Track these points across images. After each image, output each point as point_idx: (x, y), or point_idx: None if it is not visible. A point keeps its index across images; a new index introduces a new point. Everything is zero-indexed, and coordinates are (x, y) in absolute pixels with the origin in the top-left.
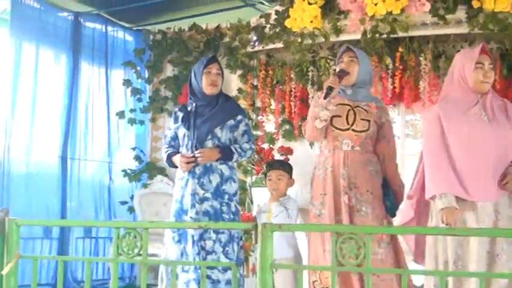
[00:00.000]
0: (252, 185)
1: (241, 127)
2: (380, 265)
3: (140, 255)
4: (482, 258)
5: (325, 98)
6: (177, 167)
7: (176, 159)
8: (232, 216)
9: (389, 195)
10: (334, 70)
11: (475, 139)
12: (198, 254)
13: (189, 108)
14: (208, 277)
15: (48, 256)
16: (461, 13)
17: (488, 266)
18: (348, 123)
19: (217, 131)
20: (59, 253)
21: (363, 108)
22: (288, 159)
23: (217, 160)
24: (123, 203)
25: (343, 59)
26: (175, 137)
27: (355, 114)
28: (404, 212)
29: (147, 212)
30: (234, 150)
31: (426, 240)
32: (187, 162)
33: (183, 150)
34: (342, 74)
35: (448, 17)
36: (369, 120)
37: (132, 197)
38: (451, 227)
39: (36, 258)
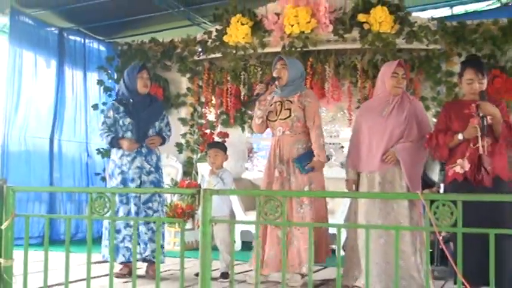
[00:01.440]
0: (197, 161)
1: (165, 120)
2: (300, 221)
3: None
4: (377, 214)
5: (254, 102)
6: (119, 147)
7: (124, 142)
8: (163, 184)
9: (298, 158)
10: (263, 77)
11: (372, 130)
12: (140, 213)
13: (124, 102)
14: (150, 229)
15: (37, 214)
16: (355, 33)
17: (383, 220)
18: (276, 115)
19: (156, 123)
20: (47, 213)
21: (288, 101)
22: (225, 141)
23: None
24: (97, 174)
25: (276, 66)
26: (113, 124)
27: (282, 107)
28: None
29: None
30: (165, 137)
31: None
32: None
33: (127, 134)
34: (269, 82)
35: (346, 36)
36: (290, 109)
37: (103, 170)
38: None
39: (28, 216)
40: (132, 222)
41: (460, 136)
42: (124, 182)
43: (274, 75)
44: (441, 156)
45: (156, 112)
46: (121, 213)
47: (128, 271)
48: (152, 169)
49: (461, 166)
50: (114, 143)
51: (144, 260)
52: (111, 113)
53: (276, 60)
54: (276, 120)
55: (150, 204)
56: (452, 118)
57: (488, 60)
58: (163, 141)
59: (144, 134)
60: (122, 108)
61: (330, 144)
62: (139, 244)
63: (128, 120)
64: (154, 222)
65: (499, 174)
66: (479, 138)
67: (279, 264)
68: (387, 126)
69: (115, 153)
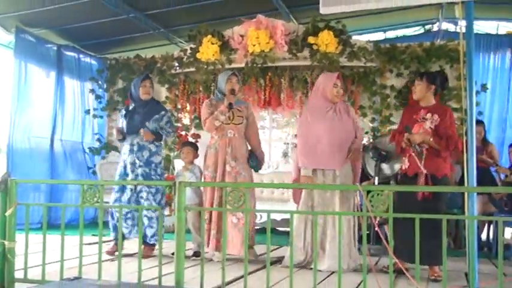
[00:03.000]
0: (174, 157)
1: (165, 119)
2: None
3: (98, 202)
4: (326, 204)
5: (229, 110)
6: (123, 139)
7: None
8: (158, 177)
9: (253, 160)
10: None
11: (328, 131)
12: (134, 201)
13: (130, 108)
14: (145, 215)
15: (37, 203)
16: (306, 52)
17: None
18: (229, 119)
19: (147, 123)
20: (47, 202)
21: (238, 109)
22: (197, 141)
23: (152, 141)
24: (89, 168)
25: (231, 79)
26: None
27: (233, 114)
28: (293, 173)
29: (104, 175)
30: (162, 133)
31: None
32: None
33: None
34: (234, 93)
35: (299, 54)
36: (242, 117)
37: (95, 165)
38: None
39: (28, 205)
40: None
41: (403, 143)
42: (120, 174)
43: (232, 87)
44: (397, 151)
45: (148, 114)
46: (112, 199)
47: (117, 249)
48: (142, 163)
49: (404, 163)
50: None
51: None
52: (121, 120)
53: (230, 75)
54: (229, 124)
55: (141, 194)
56: (404, 122)
57: (415, 76)
58: (160, 137)
59: (133, 133)
60: (123, 113)
61: (288, 144)
62: (133, 226)
63: (125, 122)
64: (147, 209)
65: (434, 173)
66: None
67: (234, 246)
68: (342, 129)
69: (122, 150)
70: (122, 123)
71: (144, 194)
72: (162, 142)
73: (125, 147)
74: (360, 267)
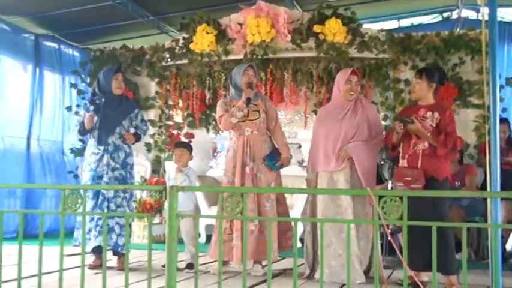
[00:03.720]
0: (165, 160)
1: (139, 116)
2: (264, 214)
3: (81, 209)
4: (331, 209)
5: (247, 105)
6: (85, 131)
7: (85, 120)
8: (133, 181)
9: (268, 157)
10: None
11: (327, 133)
12: (108, 207)
13: (97, 102)
14: (117, 223)
15: (12, 210)
16: (311, 43)
17: (339, 216)
18: (245, 116)
19: (123, 121)
20: (23, 209)
21: (253, 104)
22: (191, 141)
23: (133, 143)
24: (70, 172)
25: (249, 72)
26: (83, 122)
27: (249, 110)
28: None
29: None
30: (139, 133)
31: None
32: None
33: (95, 132)
34: (252, 87)
35: (303, 45)
36: (258, 111)
37: (77, 168)
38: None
39: (2, 212)
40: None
41: (397, 131)
42: (92, 178)
43: (250, 80)
44: (391, 152)
45: (124, 111)
46: (88, 208)
47: (99, 263)
48: (117, 166)
49: (402, 165)
50: (82, 129)
51: (114, 252)
52: (82, 112)
53: (246, 67)
54: (245, 121)
55: (114, 200)
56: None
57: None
58: (139, 138)
59: (110, 132)
60: (92, 107)
61: (289, 144)
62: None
63: (95, 118)
64: (119, 217)
65: (434, 175)
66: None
67: (251, 255)
68: (341, 129)
69: (87, 151)
70: (82, 116)
71: (118, 200)
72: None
73: (94, 146)
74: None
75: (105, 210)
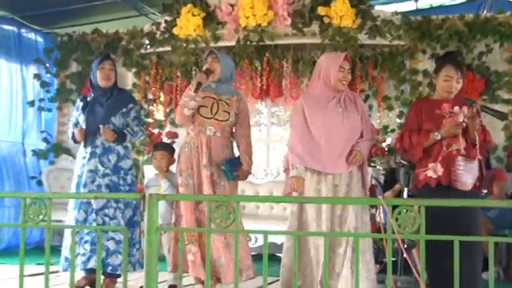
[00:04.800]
0: (143, 163)
1: (132, 113)
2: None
3: (44, 221)
4: (329, 219)
5: (195, 91)
6: (79, 142)
7: (76, 133)
8: (128, 188)
9: (227, 163)
10: (201, 69)
11: (329, 126)
12: (95, 220)
13: (88, 99)
14: (113, 238)
15: None
16: (315, 27)
17: (338, 227)
18: (211, 113)
19: (113, 118)
20: None
21: (225, 102)
22: (174, 142)
23: (114, 141)
24: (33, 177)
25: (207, 59)
26: (77, 123)
27: (218, 106)
28: (286, 184)
29: (53, 185)
30: (126, 132)
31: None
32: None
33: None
34: (207, 72)
35: (305, 30)
36: (229, 112)
37: (40, 173)
38: (300, 193)
39: None
40: (83, 230)
41: (437, 135)
42: (77, 186)
43: (207, 67)
44: (414, 157)
45: (113, 106)
46: (72, 221)
47: (85, 283)
48: (108, 171)
49: (434, 170)
50: (73, 137)
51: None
52: (75, 112)
53: (207, 54)
54: (210, 118)
55: (106, 211)
56: (423, 118)
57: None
58: (123, 137)
59: (97, 131)
60: (81, 105)
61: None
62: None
63: (83, 117)
64: (120, 232)
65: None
66: (460, 139)
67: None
68: (347, 125)
69: (79, 154)
70: (77, 118)
71: (110, 211)
72: (128, 143)
73: (82, 150)
74: None
75: (93, 224)
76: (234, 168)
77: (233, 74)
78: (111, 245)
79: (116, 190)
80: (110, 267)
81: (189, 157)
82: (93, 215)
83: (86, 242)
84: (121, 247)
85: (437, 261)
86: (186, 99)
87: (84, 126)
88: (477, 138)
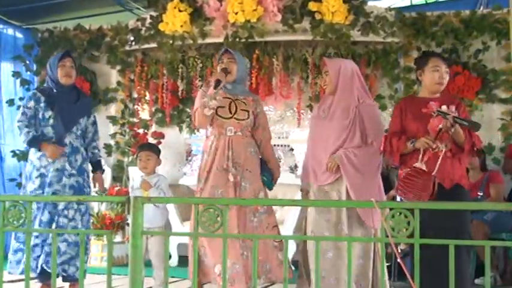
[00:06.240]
0: (128, 165)
1: (95, 127)
2: (251, 231)
3: (25, 225)
4: (325, 226)
5: (215, 89)
6: (38, 148)
7: (47, 148)
8: (89, 190)
9: (266, 172)
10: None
11: (314, 135)
12: (57, 222)
13: (48, 92)
14: (71, 242)
15: None
16: (306, 23)
17: (336, 233)
18: (230, 112)
19: (81, 120)
20: None
21: (242, 101)
22: (160, 142)
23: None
24: (12, 180)
25: (223, 59)
26: (34, 116)
27: (236, 105)
28: None
29: None
30: (100, 159)
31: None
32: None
33: (47, 129)
34: (225, 71)
35: (296, 26)
36: (248, 111)
37: (20, 175)
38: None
39: None
40: (45, 233)
41: (409, 144)
42: (42, 186)
43: (223, 67)
44: (393, 161)
45: (82, 110)
46: (36, 224)
47: None
48: (74, 171)
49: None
50: (34, 144)
51: (64, 278)
52: (31, 104)
53: (222, 53)
54: (230, 118)
55: (65, 212)
56: (408, 118)
57: (450, 55)
58: (101, 164)
59: (68, 129)
60: (43, 99)
61: (278, 146)
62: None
63: (50, 113)
64: (75, 235)
65: (460, 182)
66: (438, 143)
67: (247, 279)
68: (328, 131)
69: (33, 153)
70: (31, 111)
71: (70, 213)
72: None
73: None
74: None
75: (54, 226)
76: (272, 177)
77: (247, 74)
78: (66, 248)
79: (80, 192)
80: (69, 271)
81: (210, 161)
82: (56, 217)
83: (48, 244)
84: (74, 250)
85: (425, 265)
86: (205, 99)
87: (50, 123)
88: (466, 140)
